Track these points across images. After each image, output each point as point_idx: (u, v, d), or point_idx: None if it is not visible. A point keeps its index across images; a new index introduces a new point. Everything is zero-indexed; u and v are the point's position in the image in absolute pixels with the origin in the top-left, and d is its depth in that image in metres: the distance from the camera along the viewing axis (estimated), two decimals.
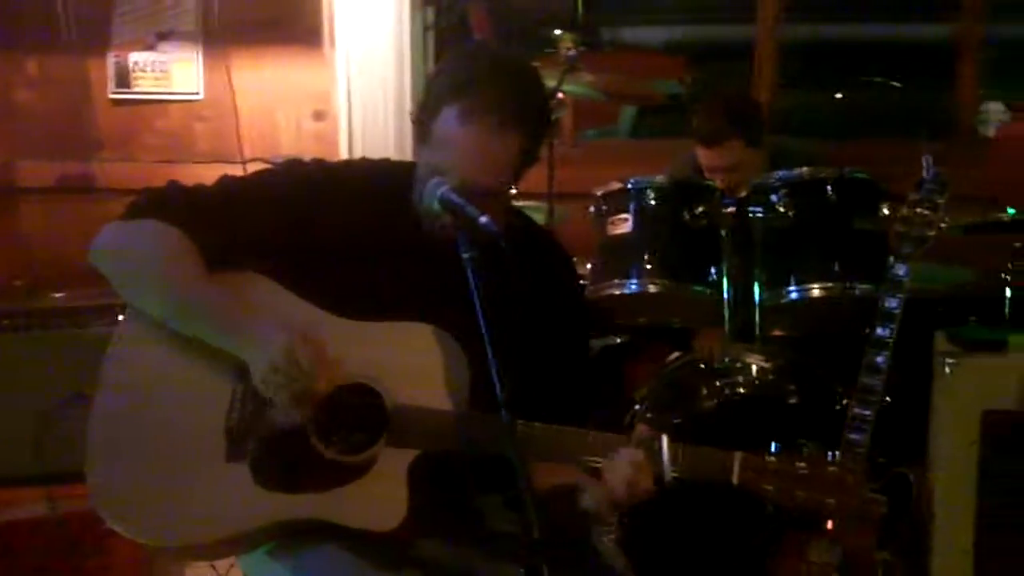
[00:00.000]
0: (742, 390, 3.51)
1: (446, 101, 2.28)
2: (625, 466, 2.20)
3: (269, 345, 2.23)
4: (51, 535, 3.53)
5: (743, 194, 3.66)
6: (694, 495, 2.29)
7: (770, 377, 3.54)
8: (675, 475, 2.23)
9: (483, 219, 2.18)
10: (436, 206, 2.27)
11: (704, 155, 4.02)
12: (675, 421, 3.45)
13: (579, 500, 2.29)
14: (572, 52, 3.99)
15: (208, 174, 2.55)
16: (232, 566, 3.62)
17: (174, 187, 2.48)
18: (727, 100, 4.12)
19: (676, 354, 4.01)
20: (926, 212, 3.27)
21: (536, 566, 1.97)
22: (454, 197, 2.24)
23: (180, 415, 2.33)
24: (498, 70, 2.33)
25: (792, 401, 3.49)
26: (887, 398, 3.17)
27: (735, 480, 2.22)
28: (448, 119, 2.27)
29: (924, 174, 3.31)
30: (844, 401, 3.45)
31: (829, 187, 3.55)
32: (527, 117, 2.32)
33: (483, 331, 2.11)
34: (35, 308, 3.59)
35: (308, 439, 2.27)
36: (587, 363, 2.65)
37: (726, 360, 3.58)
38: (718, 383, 3.54)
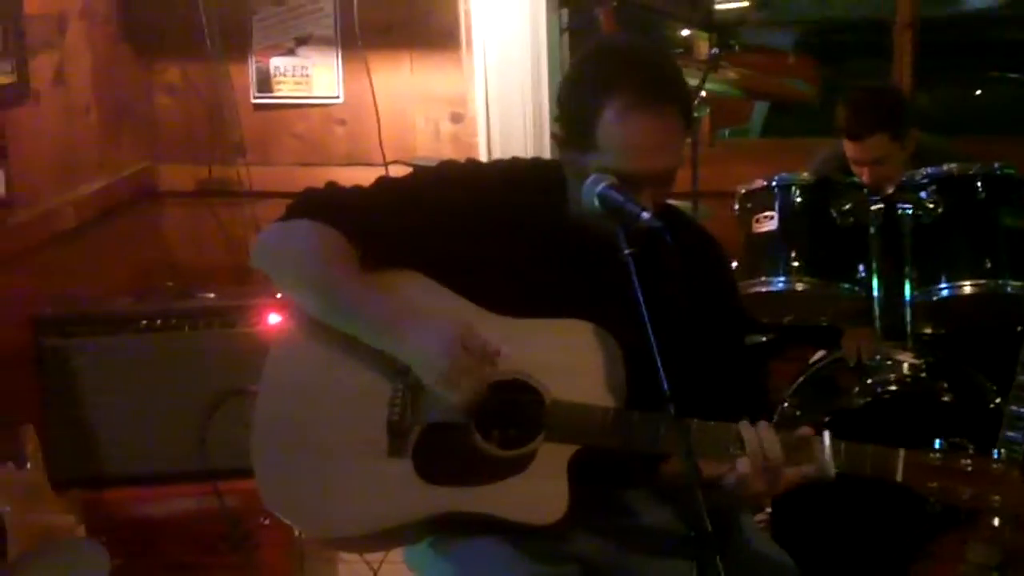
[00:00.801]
0: (893, 388, 3.47)
1: (602, 102, 2.26)
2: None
3: (433, 347, 2.26)
4: (199, 530, 3.60)
5: (889, 189, 3.62)
6: (850, 488, 2.26)
7: (922, 375, 3.50)
8: (838, 472, 2.21)
9: (645, 215, 2.17)
10: (596, 204, 2.27)
11: (850, 148, 3.97)
12: (825, 419, 3.43)
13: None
14: (715, 51, 3.97)
15: (347, 176, 2.60)
16: (384, 561, 3.67)
17: (333, 188, 2.52)
18: (873, 93, 4.08)
19: (821, 353, 3.98)
20: None
21: (709, 561, 1.97)
22: (614, 194, 2.23)
23: (343, 410, 2.37)
24: (638, 56, 2.34)
25: (945, 399, 3.44)
26: None
27: (899, 477, 2.20)
28: (610, 119, 2.25)
29: None
30: (997, 399, 3.41)
31: (979, 183, 3.51)
32: (679, 92, 2.32)
33: (644, 327, 2.11)
34: (187, 308, 3.65)
35: (469, 434, 2.30)
36: (744, 359, 2.64)
37: (876, 358, 3.55)
38: (869, 381, 3.50)
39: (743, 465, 2.18)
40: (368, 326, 2.35)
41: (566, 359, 2.33)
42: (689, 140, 4.00)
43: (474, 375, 2.26)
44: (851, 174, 3.99)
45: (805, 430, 2.24)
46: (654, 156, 2.28)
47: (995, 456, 2.22)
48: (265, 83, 4.72)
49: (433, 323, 2.30)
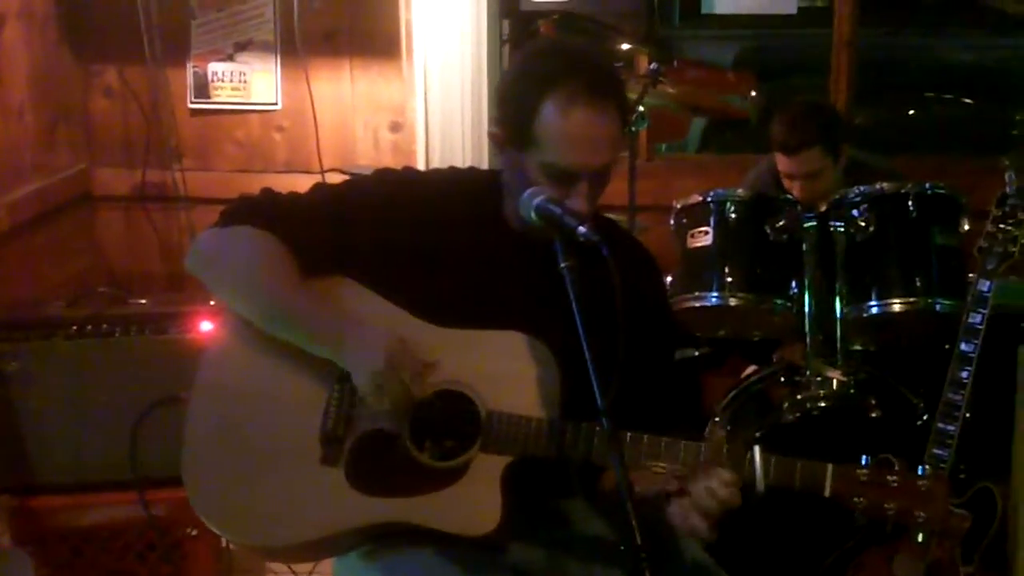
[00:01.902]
0: (823, 404, 3.50)
1: (540, 99, 2.29)
2: (715, 482, 2.22)
3: (370, 352, 2.26)
4: (128, 540, 3.57)
5: (823, 208, 3.66)
6: (780, 503, 2.29)
7: (851, 391, 3.54)
8: (767, 486, 2.23)
9: (582, 228, 2.19)
10: (533, 216, 2.29)
11: (784, 163, 4.02)
12: (756, 434, 3.46)
13: (666, 512, 2.30)
14: (654, 66, 3.99)
15: (285, 183, 2.59)
16: (312, 572, 3.65)
17: (269, 194, 2.51)
18: (807, 108, 4.11)
19: (753, 367, 4.01)
20: (1010, 227, 3.27)
21: (639, 572, 1.98)
22: (552, 207, 2.26)
23: (276, 418, 2.36)
24: (580, 52, 2.39)
25: (873, 415, 3.48)
26: (968, 413, 3.18)
27: (827, 492, 2.22)
28: (549, 114, 2.28)
29: (1007, 189, 3.31)
30: (925, 416, 3.45)
31: (910, 202, 3.54)
32: (617, 89, 2.36)
33: (579, 339, 2.13)
34: (120, 314, 3.61)
35: (403, 444, 2.30)
36: (674, 372, 2.65)
37: (807, 374, 3.58)
38: (799, 396, 3.54)
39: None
40: (308, 332, 2.35)
41: (502, 370, 2.34)
42: (626, 153, 4.04)
43: (406, 383, 2.26)
44: (784, 190, 4.03)
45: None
46: (592, 150, 2.30)
47: (920, 472, 2.24)
48: (202, 88, 4.69)
49: (371, 330, 2.31)
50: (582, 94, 2.27)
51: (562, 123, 2.28)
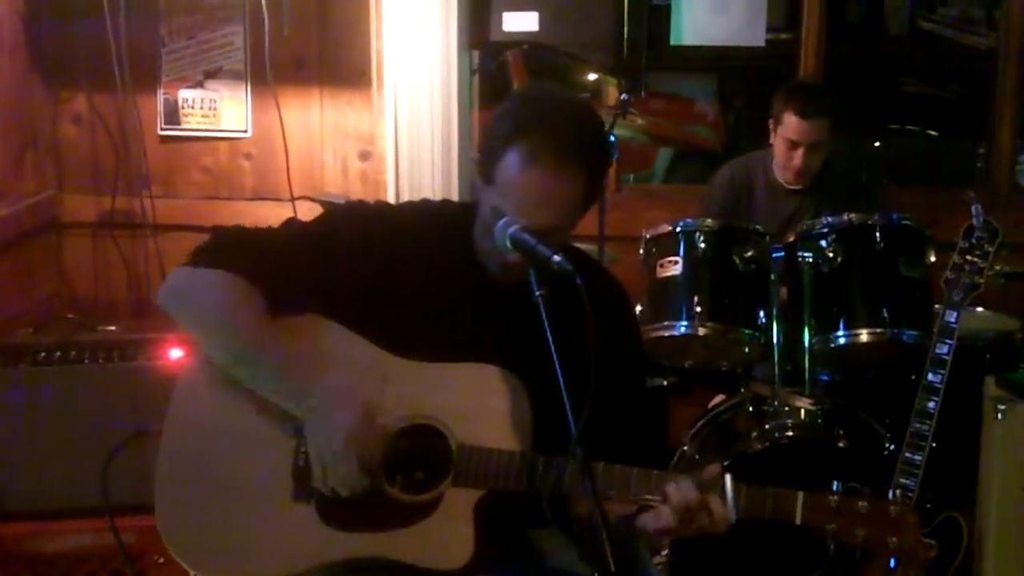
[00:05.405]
0: (791, 433, 3.52)
1: (507, 144, 2.27)
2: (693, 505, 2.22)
3: (330, 425, 2.25)
4: (94, 566, 3.54)
5: (791, 238, 3.69)
6: (747, 529, 2.30)
7: (819, 421, 3.56)
8: (739, 515, 2.24)
9: (556, 258, 2.19)
10: (508, 245, 2.27)
11: (795, 128, 4.11)
12: (724, 463, 3.46)
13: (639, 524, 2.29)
14: (625, 97, 4.02)
15: (254, 211, 2.56)
16: None
17: (241, 232, 2.49)
18: (818, 85, 4.32)
19: (721, 396, 4.03)
20: (976, 259, 3.31)
21: None
22: (526, 236, 2.25)
23: (248, 453, 2.35)
24: (557, 111, 2.32)
25: (840, 445, 3.50)
26: (935, 443, 3.20)
27: (798, 520, 2.23)
28: (510, 162, 2.27)
29: (973, 222, 3.35)
30: (891, 446, 3.48)
31: (877, 233, 3.59)
32: (587, 157, 2.30)
33: (551, 371, 2.12)
34: (88, 340, 3.60)
35: (375, 479, 2.28)
36: (643, 403, 2.65)
37: (775, 404, 3.60)
38: (767, 426, 3.55)
39: (665, 516, 2.20)
40: (271, 389, 2.34)
41: (474, 403, 2.33)
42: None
43: (355, 470, 2.24)
44: (755, 182, 4.11)
45: (713, 468, 2.26)
46: (540, 211, 2.27)
47: (891, 498, 2.25)
48: (172, 115, 4.69)
49: (337, 397, 2.28)
50: (547, 152, 2.24)
51: (518, 177, 2.26)
